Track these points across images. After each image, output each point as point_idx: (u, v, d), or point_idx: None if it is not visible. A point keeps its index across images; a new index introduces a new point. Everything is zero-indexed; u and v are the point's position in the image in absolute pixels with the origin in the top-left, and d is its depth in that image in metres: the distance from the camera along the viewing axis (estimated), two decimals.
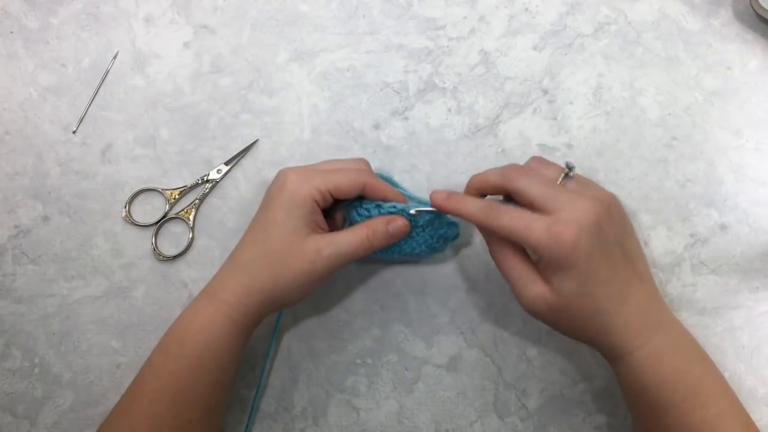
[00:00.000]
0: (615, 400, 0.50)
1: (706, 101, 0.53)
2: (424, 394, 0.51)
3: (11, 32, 0.57)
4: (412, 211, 0.46)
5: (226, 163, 0.55)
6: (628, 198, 0.52)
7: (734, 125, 0.53)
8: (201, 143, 0.55)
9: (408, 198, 0.48)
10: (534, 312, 0.42)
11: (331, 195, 0.45)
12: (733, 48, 0.54)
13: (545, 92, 0.54)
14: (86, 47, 0.57)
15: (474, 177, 0.45)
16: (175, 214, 0.54)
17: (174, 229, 0.54)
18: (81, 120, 0.56)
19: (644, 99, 0.54)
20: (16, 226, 0.54)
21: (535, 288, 0.41)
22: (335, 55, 0.56)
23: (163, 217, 0.54)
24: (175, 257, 0.53)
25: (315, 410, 0.51)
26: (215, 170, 0.55)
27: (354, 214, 0.46)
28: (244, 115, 0.55)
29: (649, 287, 0.43)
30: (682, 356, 0.42)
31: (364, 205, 0.46)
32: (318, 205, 0.45)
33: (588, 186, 0.43)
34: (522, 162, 0.54)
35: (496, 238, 0.43)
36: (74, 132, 0.56)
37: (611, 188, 0.52)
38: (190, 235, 0.54)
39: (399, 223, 0.45)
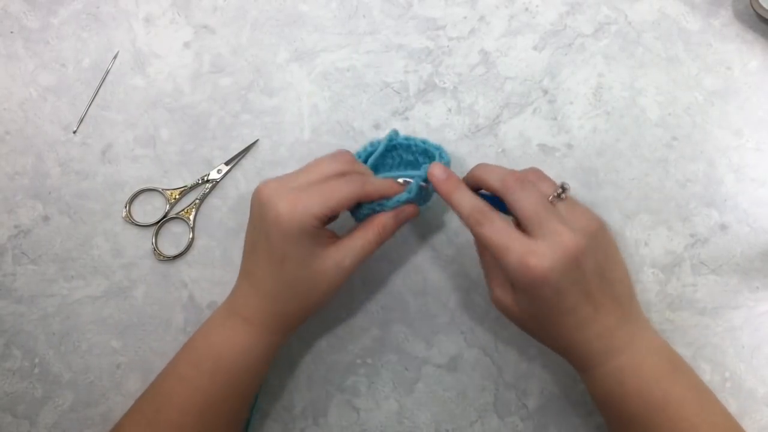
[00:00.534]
0: None
1: (706, 101, 0.53)
2: (424, 394, 0.51)
3: (11, 32, 0.57)
4: (412, 194, 0.45)
5: (227, 163, 0.55)
6: (628, 198, 0.52)
7: (734, 125, 0.53)
8: (201, 143, 0.55)
9: (412, 148, 0.49)
10: (499, 310, 0.44)
11: (329, 215, 0.43)
12: (733, 48, 0.54)
13: (545, 92, 0.54)
14: (86, 47, 0.57)
15: (478, 169, 0.44)
16: (176, 214, 0.54)
17: (174, 229, 0.54)
18: (81, 120, 0.56)
19: (644, 99, 0.54)
20: (16, 226, 0.54)
21: (502, 291, 0.43)
22: (335, 55, 0.56)
23: (164, 217, 0.54)
24: (175, 257, 0.53)
25: (315, 410, 0.51)
26: (215, 170, 0.55)
27: (358, 214, 0.46)
28: (244, 115, 0.55)
29: (624, 309, 0.41)
30: (648, 374, 0.40)
31: (368, 206, 0.46)
32: (319, 225, 0.43)
33: (577, 212, 0.41)
34: (522, 162, 0.54)
35: None
36: (74, 132, 0.56)
37: (611, 188, 0.52)
38: (191, 235, 0.54)
39: (407, 212, 0.46)
